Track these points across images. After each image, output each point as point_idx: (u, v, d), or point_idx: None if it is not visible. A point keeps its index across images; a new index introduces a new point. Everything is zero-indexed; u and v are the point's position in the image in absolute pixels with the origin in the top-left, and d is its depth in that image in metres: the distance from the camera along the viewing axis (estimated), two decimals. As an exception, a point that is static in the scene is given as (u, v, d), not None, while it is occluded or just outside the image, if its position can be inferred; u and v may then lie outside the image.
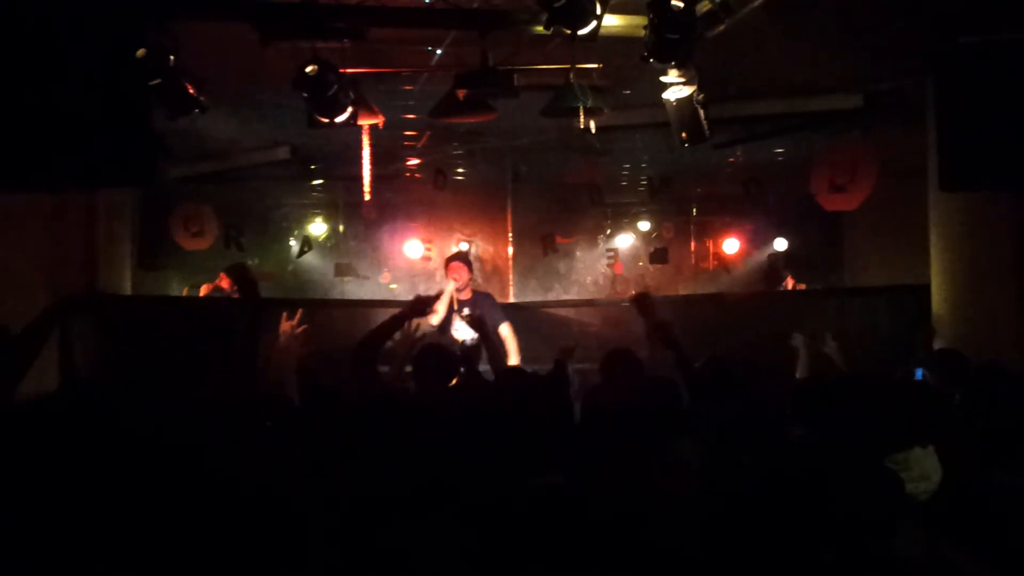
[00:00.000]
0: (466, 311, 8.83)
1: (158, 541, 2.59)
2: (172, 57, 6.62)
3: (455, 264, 9.03)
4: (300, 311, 5.50)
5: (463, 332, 8.77)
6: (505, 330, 8.84)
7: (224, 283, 11.24)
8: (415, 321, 7.45)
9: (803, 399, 4.42)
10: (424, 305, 5.97)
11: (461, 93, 7.49)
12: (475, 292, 9.17)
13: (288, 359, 5.30)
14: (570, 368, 7.03)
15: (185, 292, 11.79)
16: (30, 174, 5.93)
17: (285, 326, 5.39)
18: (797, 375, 5.96)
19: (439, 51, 7.98)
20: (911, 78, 8.39)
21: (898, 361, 8.08)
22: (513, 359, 8.68)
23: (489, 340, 6.89)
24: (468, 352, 6.84)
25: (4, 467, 2.70)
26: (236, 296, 10.73)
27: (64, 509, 2.59)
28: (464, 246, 13.37)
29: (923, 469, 3.77)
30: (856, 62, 8.52)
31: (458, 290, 8.89)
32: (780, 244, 13.72)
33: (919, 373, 6.31)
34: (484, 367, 8.35)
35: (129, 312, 9.84)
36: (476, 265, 13.10)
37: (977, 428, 4.42)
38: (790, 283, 12.26)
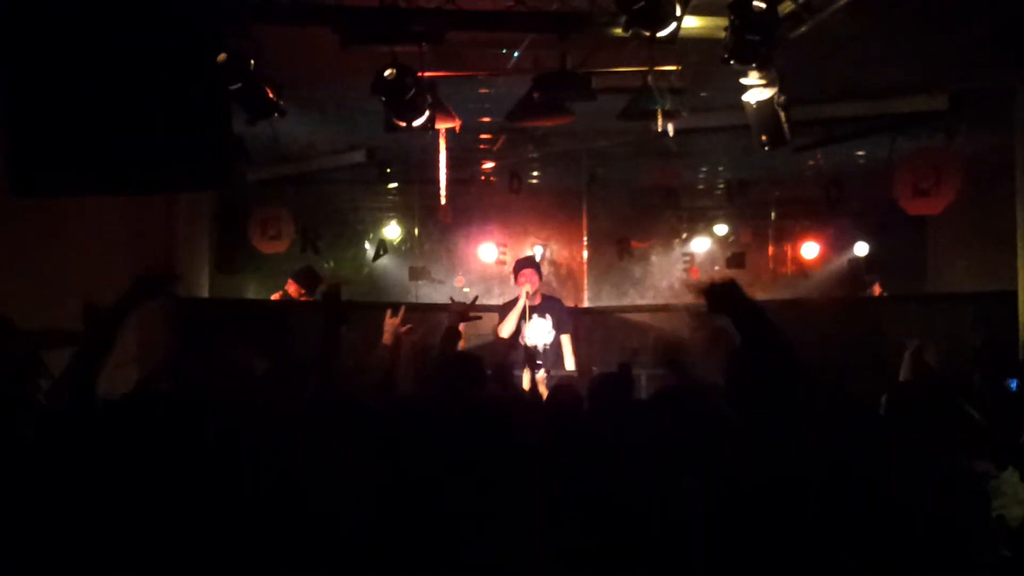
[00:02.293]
0: (535, 317, 8.81)
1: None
2: (252, 62, 6.69)
3: (527, 271, 8.99)
4: (403, 308, 5.51)
5: (534, 338, 8.75)
6: (566, 340, 8.94)
7: (291, 289, 11.30)
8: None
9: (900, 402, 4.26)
10: (464, 311, 6.04)
11: (538, 96, 7.46)
12: (544, 297, 9.11)
13: (409, 353, 5.33)
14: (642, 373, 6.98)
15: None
16: (111, 178, 5.99)
17: (390, 324, 5.40)
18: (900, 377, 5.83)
19: (516, 54, 7.95)
20: (998, 79, 8.18)
21: (984, 369, 7.88)
22: (569, 364, 8.80)
23: None
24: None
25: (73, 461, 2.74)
26: (305, 300, 10.88)
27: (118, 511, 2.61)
28: (538, 249, 13.32)
29: (1017, 492, 3.60)
30: (941, 63, 8.32)
31: (528, 296, 8.86)
32: (861, 248, 13.46)
33: (1013, 384, 6.08)
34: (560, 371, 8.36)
35: (206, 315, 9.95)
36: (549, 270, 13.04)
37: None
38: (877, 290, 12.01)
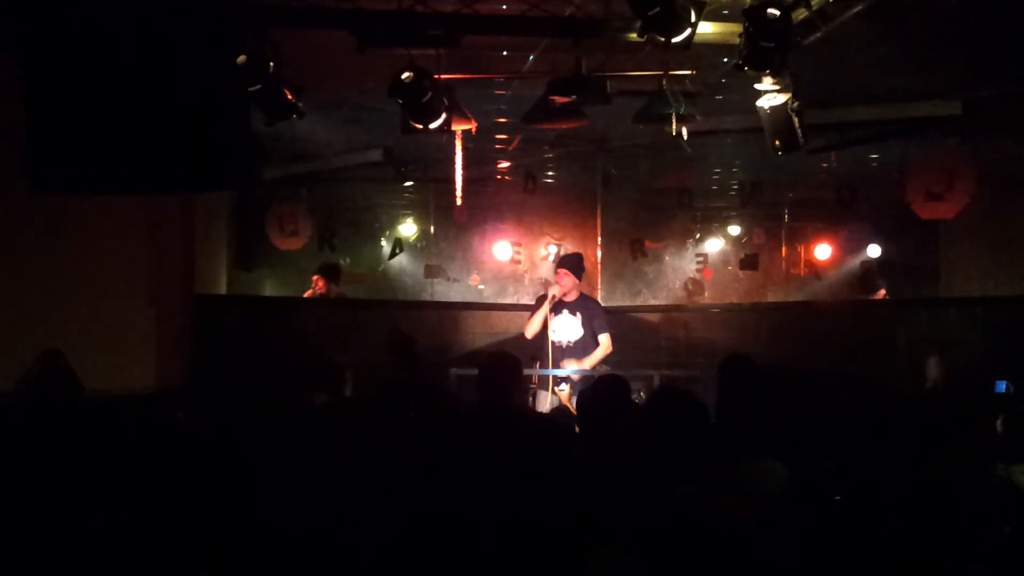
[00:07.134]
0: (565, 312, 8.77)
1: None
2: (271, 64, 6.77)
3: (559, 271, 8.92)
4: None
5: (561, 334, 8.72)
6: (604, 339, 8.79)
7: (319, 284, 11.29)
8: None
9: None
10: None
11: (554, 99, 7.52)
12: (582, 294, 9.01)
13: None
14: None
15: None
16: (133, 177, 6.08)
17: None
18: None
19: (532, 57, 8.02)
20: (1012, 85, 8.21)
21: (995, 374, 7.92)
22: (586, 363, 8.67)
23: None
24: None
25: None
26: (331, 297, 11.04)
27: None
28: (552, 249, 13.36)
29: None
30: (955, 69, 8.36)
31: (562, 295, 8.81)
32: (873, 251, 13.50)
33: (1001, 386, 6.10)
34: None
35: (225, 313, 10.05)
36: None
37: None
38: (882, 294, 12.05)
